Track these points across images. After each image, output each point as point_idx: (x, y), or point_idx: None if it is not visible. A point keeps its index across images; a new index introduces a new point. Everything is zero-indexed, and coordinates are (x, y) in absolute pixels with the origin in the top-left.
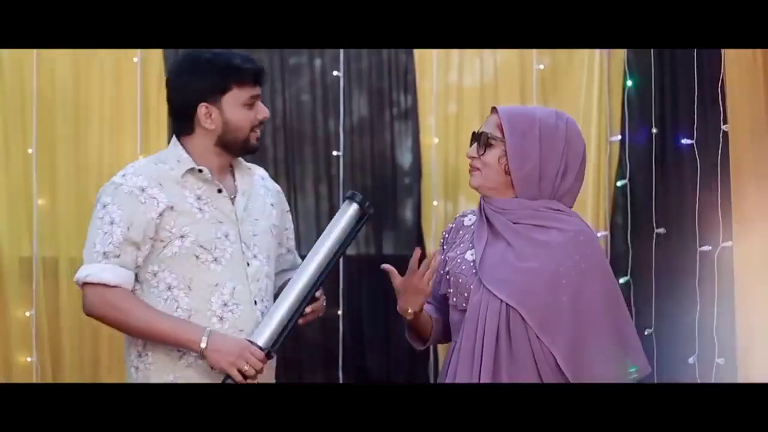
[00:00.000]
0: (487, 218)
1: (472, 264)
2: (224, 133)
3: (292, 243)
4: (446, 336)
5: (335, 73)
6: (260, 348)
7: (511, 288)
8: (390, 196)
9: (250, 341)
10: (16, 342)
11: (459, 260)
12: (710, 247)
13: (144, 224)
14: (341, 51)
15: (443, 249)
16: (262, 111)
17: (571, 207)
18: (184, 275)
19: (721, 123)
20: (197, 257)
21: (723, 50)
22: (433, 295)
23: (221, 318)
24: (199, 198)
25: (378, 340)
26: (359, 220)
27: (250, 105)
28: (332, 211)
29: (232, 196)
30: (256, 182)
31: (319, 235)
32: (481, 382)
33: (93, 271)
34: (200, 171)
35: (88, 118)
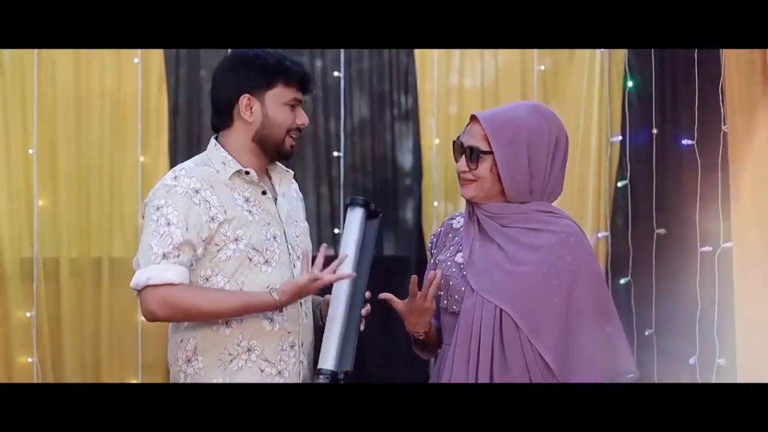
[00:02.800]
0: (478, 221)
1: (461, 266)
2: (262, 127)
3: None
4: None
5: (336, 73)
6: (331, 371)
7: (504, 292)
8: (390, 197)
9: (318, 371)
10: (17, 342)
11: (449, 263)
12: (711, 248)
13: (199, 226)
14: (342, 52)
15: (432, 253)
16: (302, 117)
17: (560, 193)
18: (236, 278)
19: (722, 123)
20: (250, 260)
21: (723, 50)
22: None
23: (272, 320)
24: (247, 200)
25: (378, 340)
26: (371, 221)
27: (292, 106)
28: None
29: (274, 198)
30: (292, 185)
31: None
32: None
33: (155, 272)
34: (247, 173)
35: (88, 118)
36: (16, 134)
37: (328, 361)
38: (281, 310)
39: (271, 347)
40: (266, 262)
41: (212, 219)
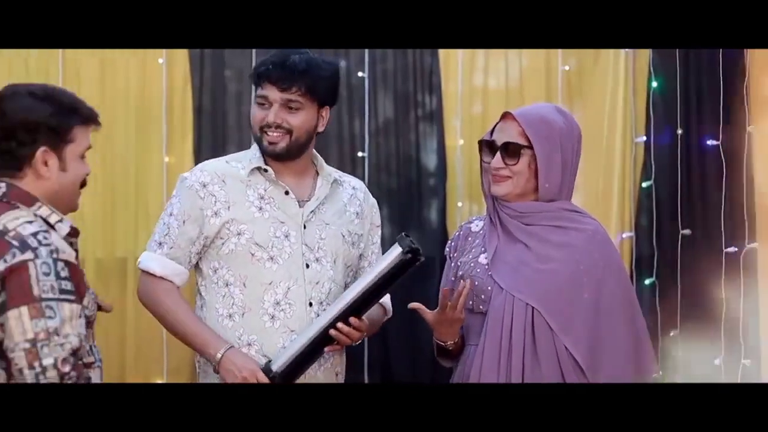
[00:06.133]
0: (500, 221)
1: (486, 267)
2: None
3: (374, 258)
4: None
5: (360, 74)
6: (271, 370)
7: (534, 290)
8: (415, 198)
9: (267, 364)
10: None
11: (473, 264)
12: (736, 249)
13: (200, 219)
14: (366, 52)
15: (451, 257)
16: (270, 115)
17: (572, 195)
18: (239, 272)
19: (746, 124)
20: (252, 255)
21: (747, 50)
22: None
23: (273, 317)
24: (262, 197)
25: (403, 339)
26: (403, 263)
27: (260, 104)
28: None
29: (304, 200)
30: (341, 191)
31: None
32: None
33: (144, 259)
34: (265, 170)
35: (113, 119)
36: None
37: (277, 364)
38: (215, 371)
39: (271, 343)
40: (271, 258)
41: (215, 214)
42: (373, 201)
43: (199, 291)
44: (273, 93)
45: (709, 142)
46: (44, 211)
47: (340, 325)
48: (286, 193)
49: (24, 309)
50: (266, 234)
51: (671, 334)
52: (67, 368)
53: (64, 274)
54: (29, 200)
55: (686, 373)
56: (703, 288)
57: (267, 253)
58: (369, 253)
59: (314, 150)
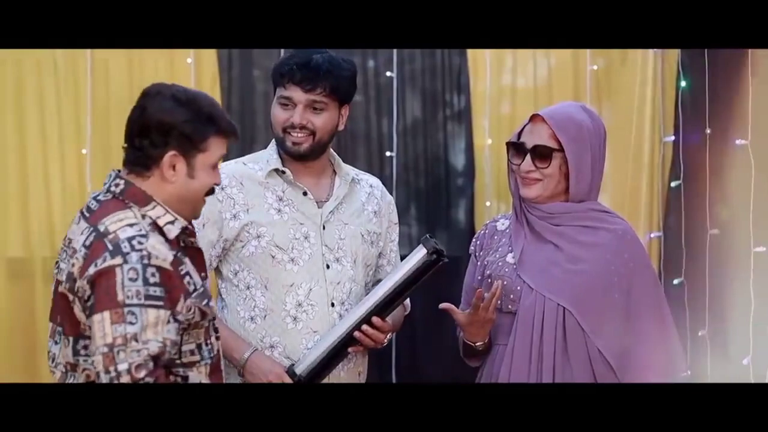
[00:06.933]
0: (528, 222)
1: (514, 266)
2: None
3: (393, 256)
4: None
5: (388, 74)
6: (295, 374)
7: (565, 290)
8: (443, 197)
9: (290, 367)
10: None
11: (500, 263)
12: (764, 248)
13: (219, 222)
14: (394, 52)
15: (477, 255)
16: (296, 116)
17: (598, 194)
18: (261, 275)
19: None
20: (273, 257)
21: None
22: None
23: (295, 318)
24: (280, 199)
25: (431, 339)
26: (427, 265)
27: (283, 105)
28: None
29: (323, 200)
30: (359, 189)
31: None
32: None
33: None
34: (283, 172)
35: None
36: (69, 135)
37: (302, 366)
38: (239, 374)
39: (294, 345)
40: (292, 260)
41: (234, 216)
42: (390, 198)
43: (219, 294)
44: (297, 94)
45: (738, 142)
46: (157, 211)
47: (365, 327)
48: (305, 194)
49: (107, 314)
50: (286, 236)
51: (700, 333)
52: (141, 374)
53: (153, 280)
54: (144, 200)
55: (714, 372)
56: (732, 288)
57: (287, 255)
58: (388, 251)
59: (331, 149)
